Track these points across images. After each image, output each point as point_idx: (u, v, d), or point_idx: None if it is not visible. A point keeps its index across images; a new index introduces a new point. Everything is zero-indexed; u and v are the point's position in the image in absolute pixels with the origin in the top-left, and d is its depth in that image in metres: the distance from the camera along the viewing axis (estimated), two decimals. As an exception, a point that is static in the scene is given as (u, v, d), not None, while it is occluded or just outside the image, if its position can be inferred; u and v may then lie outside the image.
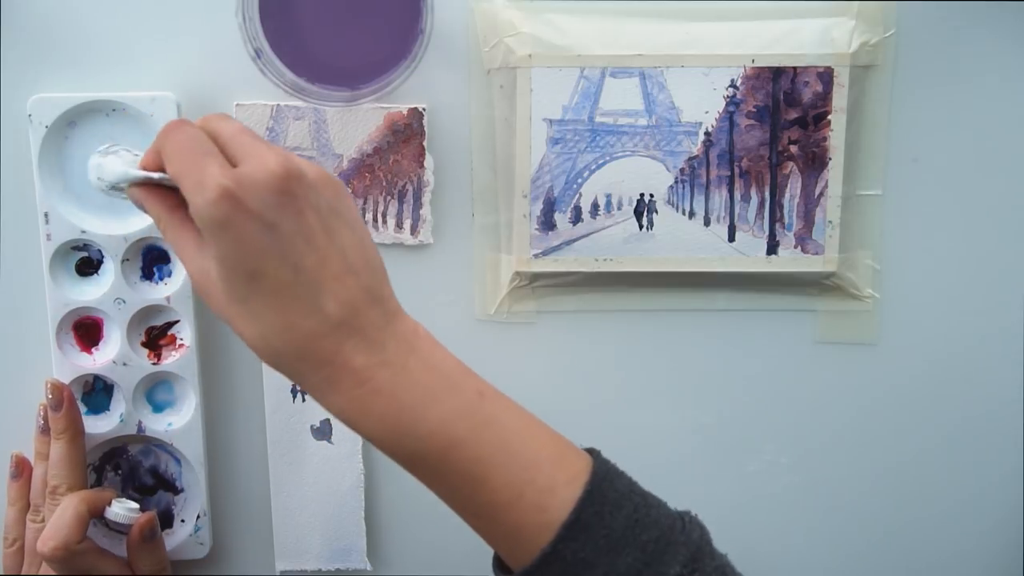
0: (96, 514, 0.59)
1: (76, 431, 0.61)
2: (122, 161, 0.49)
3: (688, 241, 0.64)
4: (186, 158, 0.45)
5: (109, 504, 0.60)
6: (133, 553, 0.61)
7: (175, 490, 0.65)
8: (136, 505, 0.61)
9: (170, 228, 0.48)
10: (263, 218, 0.44)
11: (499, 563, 0.49)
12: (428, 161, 0.64)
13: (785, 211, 0.63)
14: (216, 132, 0.46)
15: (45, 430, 0.62)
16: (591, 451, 0.50)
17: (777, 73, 0.62)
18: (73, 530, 0.57)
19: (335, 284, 0.45)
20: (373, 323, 0.46)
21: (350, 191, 0.64)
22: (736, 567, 0.53)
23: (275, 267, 0.44)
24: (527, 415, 0.49)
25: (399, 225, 0.64)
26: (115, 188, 0.49)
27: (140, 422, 0.64)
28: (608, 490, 0.47)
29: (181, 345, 0.63)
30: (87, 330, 0.63)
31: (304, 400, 0.65)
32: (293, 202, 0.44)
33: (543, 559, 0.45)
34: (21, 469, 0.63)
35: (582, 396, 0.67)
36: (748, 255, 0.64)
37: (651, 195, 0.63)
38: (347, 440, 0.65)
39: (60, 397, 0.61)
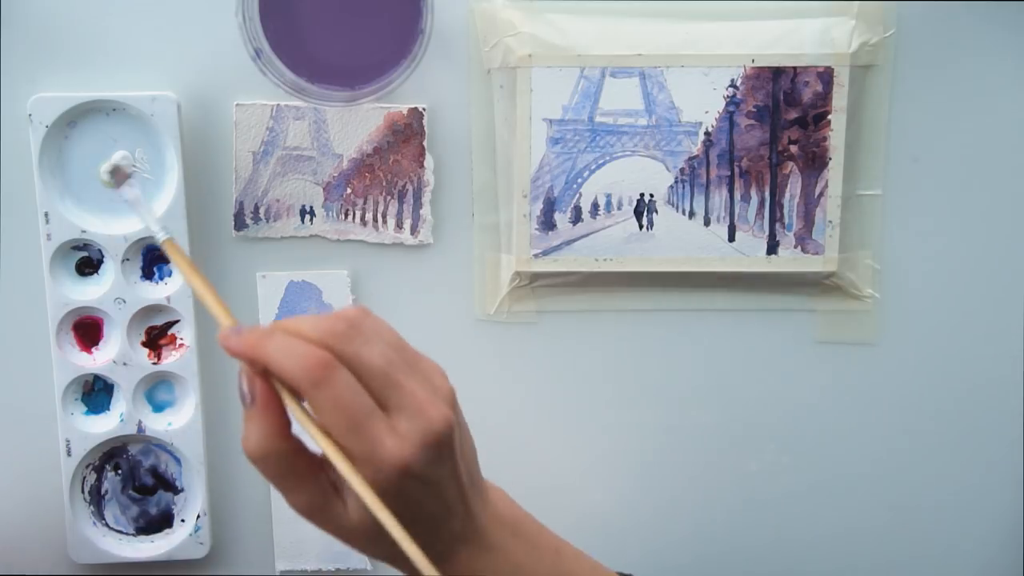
0: None
1: None
2: None
3: (688, 241, 0.64)
4: (350, 424, 0.41)
5: None
6: None
7: (175, 490, 0.65)
8: None
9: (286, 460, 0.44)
10: (428, 479, 0.43)
11: None
12: (428, 161, 0.64)
13: (785, 211, 0.63)
14: (363, 367, 0.42)
15: None
16: None
17: (777, 73, 0.62)
18: None
19: (460, 506, 0.46)
20: (478, 519, 0.47)
21: (351, 190, 0.64)
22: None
23: (427, 511, 0.44)
24: (591, 561, 0.51)
25: (399, 225, 0.64)
26: None
27: (140, 422, 0.64)
28: None
29: (181, 345, 0.63)
30: (87, 330, 0.63)
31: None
32: (449, 449, 0.44)
33: None
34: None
35: (582, 396, 0.67)
36: (748, 255, 0.64)
37: (651, 195, 0.63)
38: (347, 440, 0.65)
39: None
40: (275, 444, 0.43)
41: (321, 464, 0.45)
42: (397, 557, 0.46)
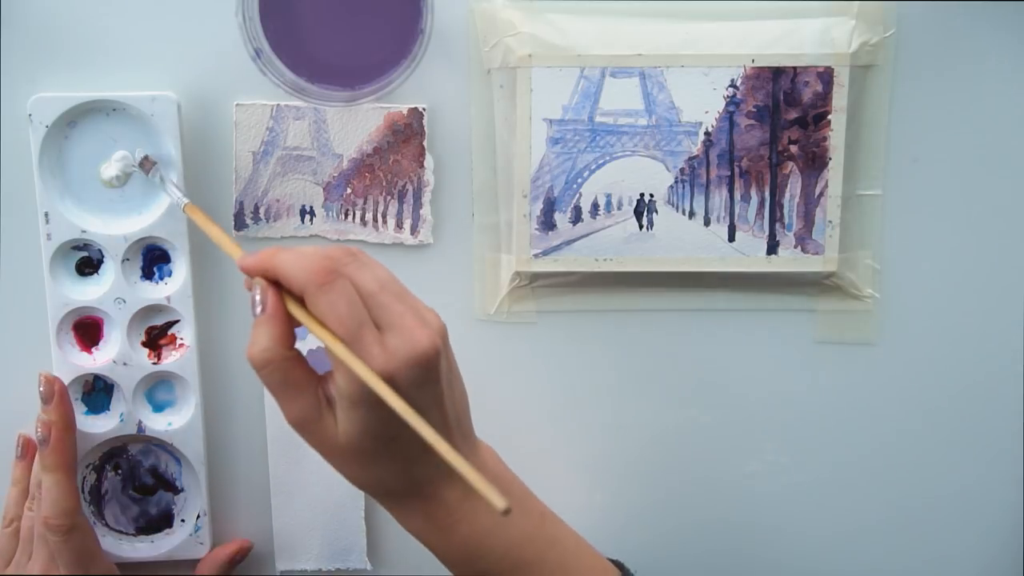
0: None
1: (67, 424, 0.61)
2: None
3: (688, 241, 0.64)
4: (345, 330, 0.45)
5: None
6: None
7: (175, 490, 0.65)
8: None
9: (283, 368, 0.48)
10: (409, 395, 0.45)
11: None
12: (428, 161, 0.64)
13: (785, 211, 0.63)
14: (358, 286, 0.46)
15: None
16: (617, 564, 0.55)
17: (777, 73, 0.62)
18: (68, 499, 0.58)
19: (445, 435, 0.47)
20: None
21: (351, 190, 0.64)
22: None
23: (409, 434, 0.45)
24: (575, 533, 0.53)
25: (399, 225, 0.64)
26: None
27: (140, 422, 0.64)
28: None
29: (181, 345, 0.63)
30: (87, 330, 0.63)
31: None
32: (435, 375, 0.46)
33: None
34: (26, 450, 0.63)
35: (582, 396, 0.67)
36: (748, 255, 0.64)
37: (651, 195, 0.63)
38: (347, 440, 0.65)
39: (51, 390, 0.60)
40: (279, 351, 0.47)
41: (319, 380, 0.48)
42: (381, 485, 0.49)
